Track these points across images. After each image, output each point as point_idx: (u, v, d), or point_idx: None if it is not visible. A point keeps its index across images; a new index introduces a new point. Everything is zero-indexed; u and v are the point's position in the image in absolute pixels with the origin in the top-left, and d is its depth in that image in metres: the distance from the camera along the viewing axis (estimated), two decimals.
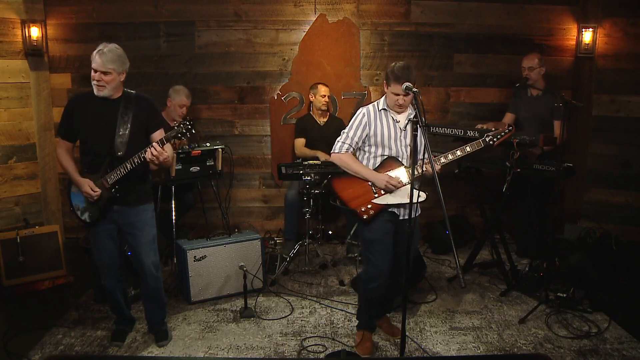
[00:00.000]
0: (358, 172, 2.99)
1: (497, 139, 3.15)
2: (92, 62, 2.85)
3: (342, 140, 3.03)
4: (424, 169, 2.82)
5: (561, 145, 3.82)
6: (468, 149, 3.03)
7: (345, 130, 3.03)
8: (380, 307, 3.31)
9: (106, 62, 2.83)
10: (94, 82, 2.87)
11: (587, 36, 4.85)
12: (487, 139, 3.11)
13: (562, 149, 3.84)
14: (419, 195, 2.84)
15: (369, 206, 2.96)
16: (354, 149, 3.04)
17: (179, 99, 4.42)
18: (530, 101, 4.44)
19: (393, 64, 2.89)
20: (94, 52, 2.85)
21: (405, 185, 2.93)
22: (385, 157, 2.98)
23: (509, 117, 4.59)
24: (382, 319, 3.40)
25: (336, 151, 3.05)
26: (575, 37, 5.00)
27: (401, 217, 3.02)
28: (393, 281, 3.17)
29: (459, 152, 3.02)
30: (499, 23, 5.03)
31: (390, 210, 2.99)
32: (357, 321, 3.32)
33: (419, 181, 2.89)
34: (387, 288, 3.19)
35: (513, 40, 5.03)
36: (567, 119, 3.71)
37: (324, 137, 4.72)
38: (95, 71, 2.85)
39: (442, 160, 3.00)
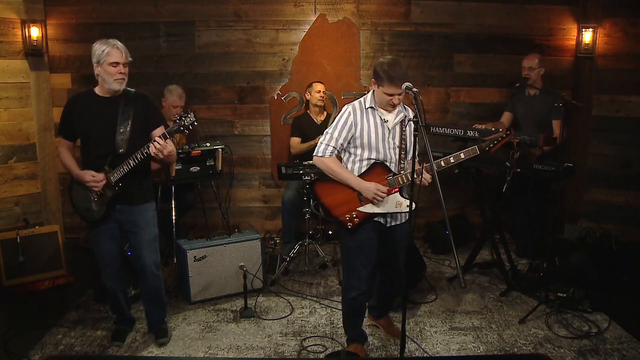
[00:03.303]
0: (343, 179, 2.78)
1: (494, 144, 2.88)
2: (108, 57, 2.82)
3: (325, 141, 2.80)
4: (420, 178, 2.62)
5: (561, 145, 3.82)
6: (462, 155, 2.80)
7: (329, 131, 2.80)
8: (365, 315, 3.20)
9: (126, 54, 2.88)
10: (116, 77, 2.86)
11: (587, 36, 4.85)
12: (484, 145, 2.85)
13: (562, 148, 3.84)
14: (407, 205, 2.73)
15: (354, 214, 2.79)
16: (338, 151, 2.82)
17: (171, 99, 4.41)
18: (529, 101, 4.44)
19: (381, 60, 2.68)
20: (105, 47, 2.83)
21: (394, 193, 2.77)
22: (372, 161, 2.79)
23: (507, 117, 4.60)
24: (384, 318, 3.37)
25: (319, 154, 2.81)
26: (575, 37, 5.00)
27: (388, 225, 2.88)
28: (390, 280, 3.12)
29: (452, 160, 2.80)
30: (499, 23, 5.03)
31: (375, 220, 2.84)
32: (346, 335, 3.12)
33: (406, 189, 2.80)
34: (384, 290, 3.14)
35: (513, 40, 5.03)
36: (567, 119, 3.71)
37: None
38: (117, 65, 2.84)
39: (435, 167, 2.82)
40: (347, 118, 2.77)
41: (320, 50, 5.06)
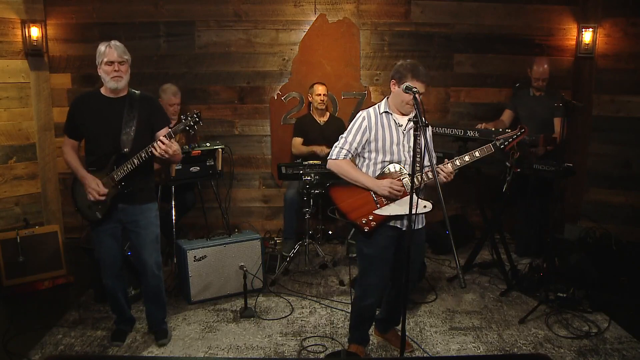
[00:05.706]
0: (357, 180, 2.78)
1: (508, 142, 2.90)
2: (103, 57, 2.88)
3: (339, 145, 2.82)
4: (428, 177, 2.67)
5: (561, 144, 3.82)
6: (477, 154, 2.79)
7: (344, 135, 2.83)
8: (385, 320, 3.22)
9: (121, 53, 2.91)
10: (112, 75, 2.90)
11: (587, 36, 4.86)
12: (498, 143, 2.87)
13: (563, 148, 3.84)
14: (424, 206, 2.74)
15: (371, 217, 2.77)
16: (352, 155, 2.83)
17: (166, 98, 4.40)
18: (532, 101, 4.45)
19: (400, 62, 2.73)
20: (102, 48, 2.89)
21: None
22: (387, 163, 2.79)
23: (507, 114, 4.60)
24: (391, 332, 3.28)
25: (333, 157, 2.83)
26: (575, 37, 5.00)
27: (404, 229, 2.82)
28: (397, 293, 3.02)
29: (467, 158, 2.78)
30: (499, 23, 5.03)
31: (392, 224, 2.82)
32: (349, 334, 3.14)
33: (423, 190, 2.78)
34: (393, 301, 3.08)
35: (513, 40, 5.03)
36: (567, 119, 3.71)
37: (324, 136, 4.73)
38: (111, 63, 2.89)
39: (449, 166, 2.77)
40: (361, 122, 2.79)
41: (320, 50, 5.06)
